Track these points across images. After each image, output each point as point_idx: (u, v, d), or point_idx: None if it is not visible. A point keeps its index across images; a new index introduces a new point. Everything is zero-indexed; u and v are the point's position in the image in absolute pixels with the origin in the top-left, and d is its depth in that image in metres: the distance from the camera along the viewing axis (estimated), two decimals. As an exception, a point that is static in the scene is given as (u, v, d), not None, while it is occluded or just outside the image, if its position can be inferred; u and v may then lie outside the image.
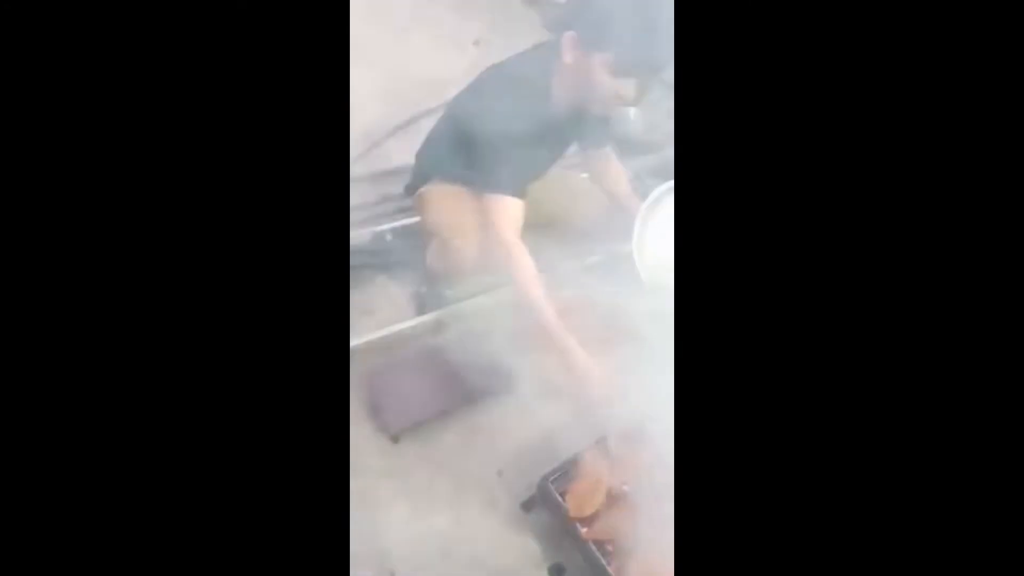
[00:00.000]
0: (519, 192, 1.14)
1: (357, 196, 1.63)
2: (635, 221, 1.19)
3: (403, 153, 1.62)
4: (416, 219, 1.46)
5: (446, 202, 1.28)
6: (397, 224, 1.59)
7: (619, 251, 1.19)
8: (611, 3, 0.99)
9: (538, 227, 1.18)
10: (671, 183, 1.17)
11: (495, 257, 1.17)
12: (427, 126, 1.38)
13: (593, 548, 1.06)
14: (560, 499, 1.11)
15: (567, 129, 1.24)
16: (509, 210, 1.14)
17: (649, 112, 1.93)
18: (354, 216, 1.57)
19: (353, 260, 1.47)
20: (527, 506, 1.22)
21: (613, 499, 1.10)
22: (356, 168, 1.74)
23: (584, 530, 1.08)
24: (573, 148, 1.38)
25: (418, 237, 1.46)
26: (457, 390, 1.35)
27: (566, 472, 1.15)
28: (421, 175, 1.35)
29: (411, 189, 1.38)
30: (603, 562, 1.05)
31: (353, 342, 1.39)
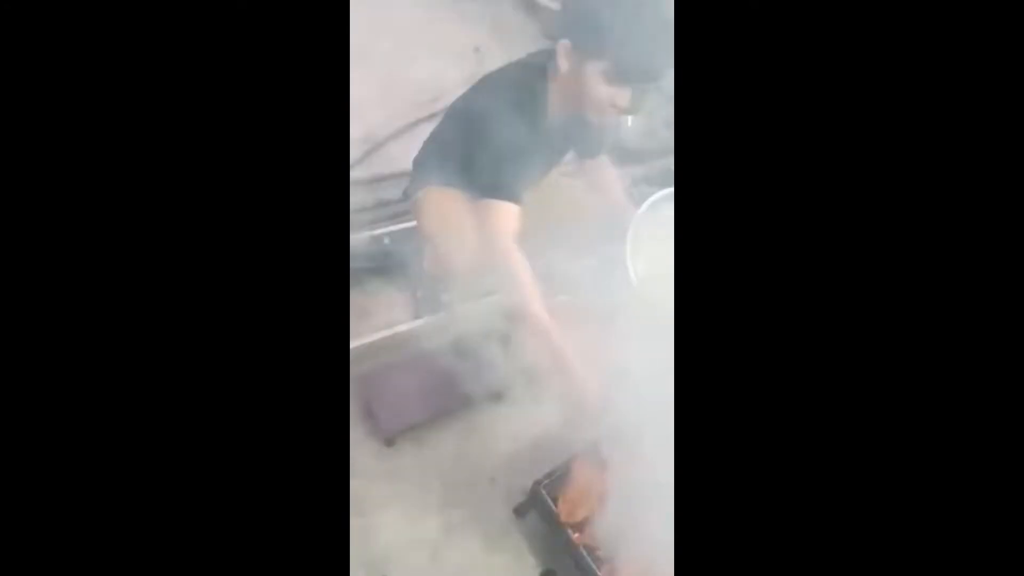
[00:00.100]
0: (516, 198, 1.15)
1: (356, 200, 1.64)
2: (629, 228, 1.20)
3: (402, 158, 1.63)
4: (413, 223, 1.46)
5: (443, 207, 1.29)
6: (394, 228, 1.59)
7: (613, 257, 1.19)
8: (607, 12, 1.01)
9: (534, 233, 1.19)
10: (666, 191, 1.18)
11: (491, 262, 1.18)
12: (426, 131, 1.39)
13: (584, 553, 1.07)
14: (552, 504, 1.12)
15: (563, 136, 1.25)
16: (505, 216, 1.15)
17: (645, 120, 1.94)
18: (352, 219, 1.57)
19: (351, 263, 1.48)
20: (519, 511, 1.22)
21: (605, 505, 1.10)
22: (355, 172, 1.74)
23: (576, 535, 1.09)
24: (569, 155, 1.39)
25: (415, 241, 1.47)
26: (452, 394, 1.35)
27: (558, 477, 1.15)
28: (419, 180, 1.35)
29: (409, 194, 1.39)
30: (594, 567, 1.05)
31: (350, 344, 1.39)
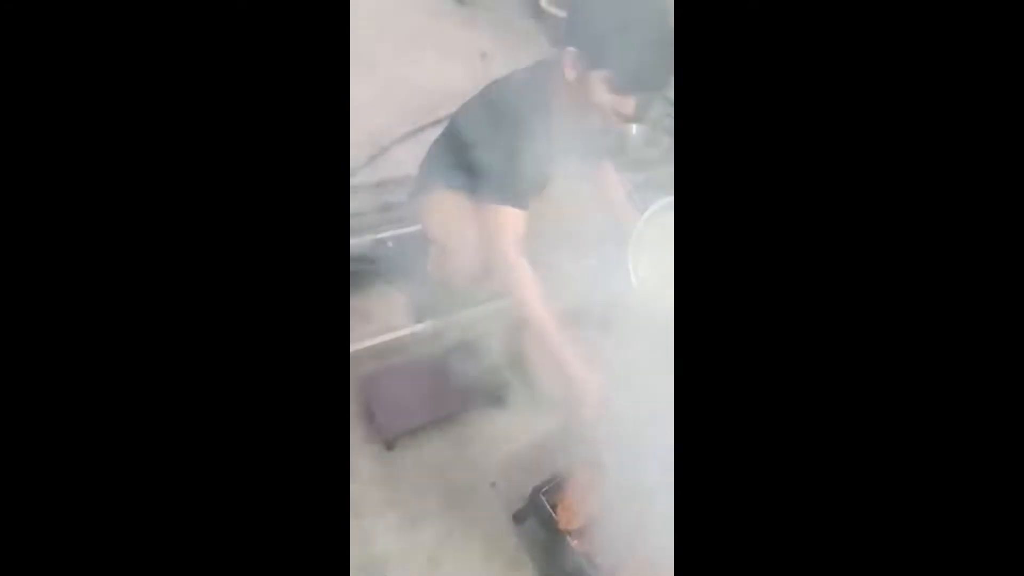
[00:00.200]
0: (520, 203, 1.16)
1: (360, 203, 1.65)
2: (631, 234, 1.21)
3: (407, 162, 1.64)
4: (417, 227, 1.47)
5: (447, 211, 1.30)
6: (399, 232, 1.60)
7: (616, 264, 1.20)
8: (612, 20, 1.01)
9: (537, 238, 1.19)
10: (668, 198, 1.19)
11: (495, 267, 1.18)
12: (432, 136, 1.40)
13: (583, 560, 1.06)
14: (551, 511, 1.12)
15: (568, 143, 1.25)
16: (510, 221, 1.16)
17: (650, 128, 1.95)
18: (357, 223, 1.58)
19: (354, 266, 1.49)
20: (518, 517, 1.22)
21: (604, 512, 1.10)
22: (361, 176, 1.76)
23: (575, 542, 1.09)
24: (573, 161, 1.39)
25: (419, 245, 1.48)
26: (453, 399, 1.36)
27: (558, 484, 1.15)
28: (424, 184, 1.36)
29: (414, 198, 1.40)
30: (592, 575, 1.05)
31: (352, 348, 1.39)
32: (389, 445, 1.31)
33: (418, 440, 1.33)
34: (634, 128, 1.87)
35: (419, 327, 1.49)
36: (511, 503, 1.24)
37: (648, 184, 1.85)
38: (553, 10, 2.48)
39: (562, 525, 1.09)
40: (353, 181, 1.75)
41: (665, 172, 1.91)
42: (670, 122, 1.92)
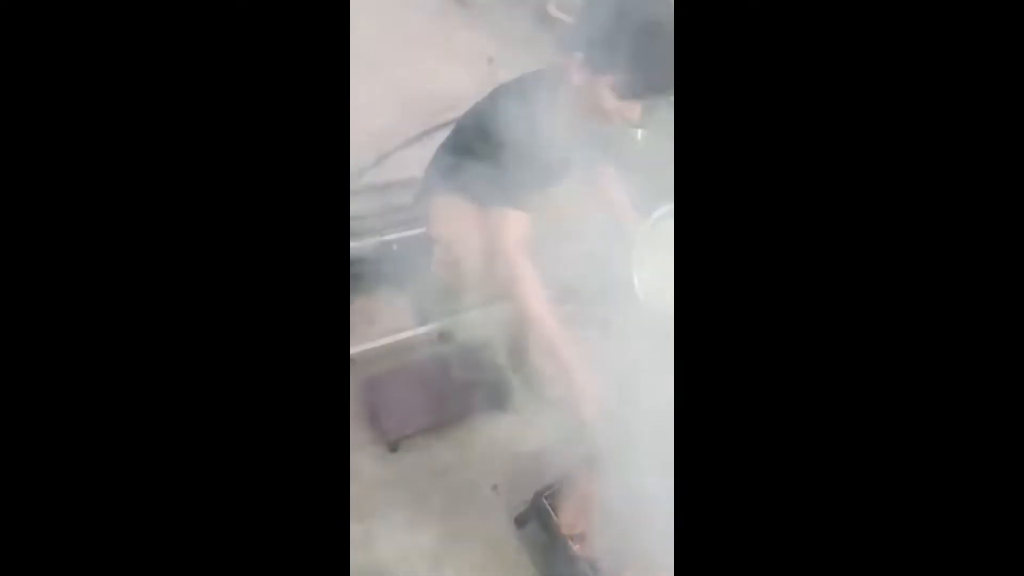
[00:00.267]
0: (525, 207, 1.16)
1: (366, 205, 1.66)
2: (634, 239, 1.21)
3: (413, 165, 1.64)
4: (422, 230, 1.48)
5: (453, 214, 1.30)
6: (404, 234, 1.61)
7: (619, 268, 1.20)
8: (619, 26, 1.02)
9: (542, 242, 1.20)
10: (672, 205, 1.19)
11: (499, 270, 1.19)
12: (439, 139, 1.41)
13: (584, 565, 1.06)
14: (553, 515, 1.11)
15: (573, 147, 1.26)
16: (515, 224, 1.16)
17: (655, 133, 1.95)
18: (362, 225, 1.59)
19: (358, 268, 1.49)
20: (520, 521, 1.22)
21: (606, 517, 1.10)
22: (366, 178, 1.76)
23: (576, 547, 1.08)
24: (579, 166, 1.40)
25: (424, 248, 1.48)
26: (456, 401, 1.36)
27: (560, 488, 1.15)
28: (430, 187, 1.37)
29: (419, 200, 1.41)
30: (593, 580, 1.04)
31: (355, 350, 1.40)
32: (392, 447, 1.31)
33: (421, 443, 1.33)
34: (639, 133, 1.87)
35: (423, 329, 1.49)
36: (513, 506, 1.24)
37: (652, 189, 1.85)
38: (561, 15, 2.49)
39: (564, 529, 1.09)
40: (358, 183, 1.76)
41: (669, 177, 1.91)
42: (675, 128, 1.92)
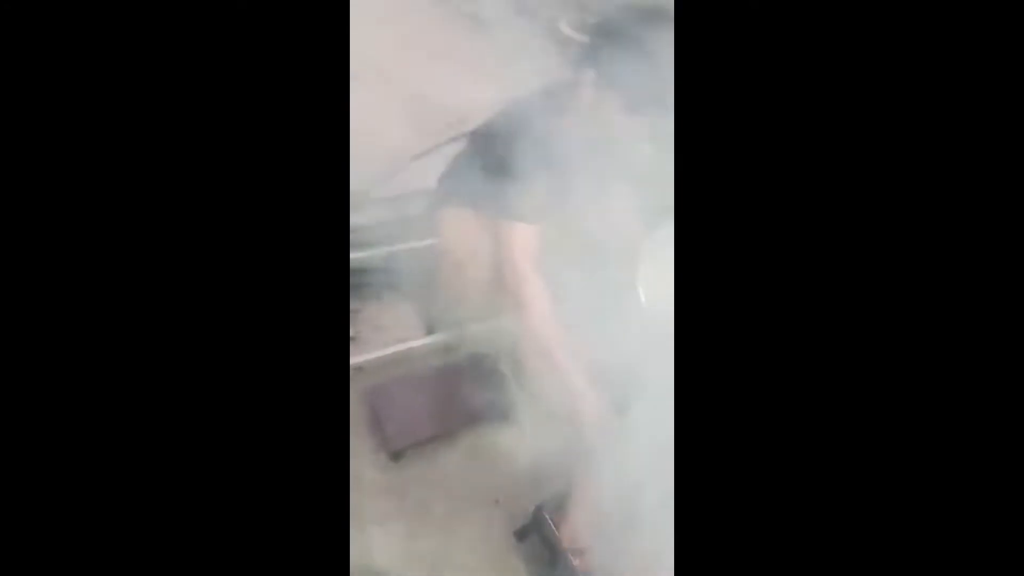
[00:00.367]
0: (535, 220, 1.17)
1: (377, 216, 1.67)
2: (641, 255, 1.22)
3: (425, 177, 1.66)
4: (432, 241, 1.49)
5: (463, 226, 1.31)
6: (414, 245, 1.62)
7: (625, 282, 1.21)
8: (627, 43, 1.04)
9: (550, 255, 1.21)
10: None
11: (507, 283, 1.19)
12: (450, 152, 1.42)
13: (584, 580, 1.05)
14: (554, 528, 1.11)
15: (583, 162, 1.27)
16: (523, 237, 1.17)
17: (663, 150, 1.96)
18: (372, 235, 1.60)
19: (368, 278, 1.50)
20: (520, 534, 1.21)
21: (607, 532, 1.09)
22: (378, 189, 1.78)
23: (576, 561, 1.08)
24: (588, 180, 1.41)
25: (433, 259, 1.49)
26: (459, 412, 1.36)
27: (561, 502, 1.14)
28: (440, 199, 1.38)
29: (429, 212, 1.42)
30: (593, 595, 1.04)
31: (360, 358, 1.40)
32: (396, 456, 1.31)
33: (424, 453, 1.33)
34: (647, 148, 1.88)
35: (429, 339, 1.50)
36: (514, 519, 1.23)
37: (659, 204, 1.86)
38: (573, 34, 2.52)
39: (564, 543, 1.09)
40: (370, 195, 1.78)
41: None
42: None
